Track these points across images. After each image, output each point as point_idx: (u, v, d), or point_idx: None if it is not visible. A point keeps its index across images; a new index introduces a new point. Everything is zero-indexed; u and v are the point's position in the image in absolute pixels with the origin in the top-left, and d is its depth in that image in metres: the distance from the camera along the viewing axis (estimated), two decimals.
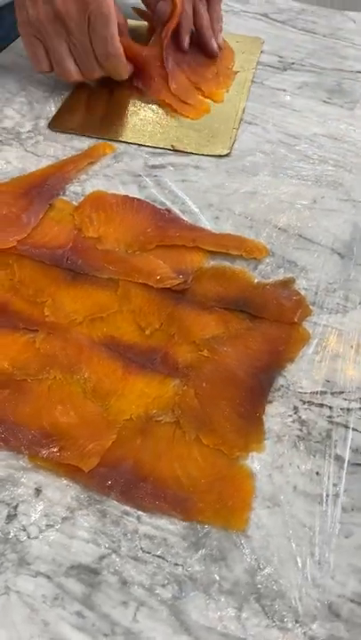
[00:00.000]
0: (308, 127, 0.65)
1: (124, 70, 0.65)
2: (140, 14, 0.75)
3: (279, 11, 0.85)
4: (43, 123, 0.64)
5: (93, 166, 0.59)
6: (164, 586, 0.34)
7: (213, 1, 0.72)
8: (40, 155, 0.60)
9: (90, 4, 0.59)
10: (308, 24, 0.81)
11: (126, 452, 0.39)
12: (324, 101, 0.69)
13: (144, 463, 0.39)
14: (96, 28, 0.60)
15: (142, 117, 0.65)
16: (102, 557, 0.35)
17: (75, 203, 0.55)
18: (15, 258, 0.50)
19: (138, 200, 0.55)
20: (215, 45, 0.71)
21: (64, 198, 0.56)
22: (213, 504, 0.37)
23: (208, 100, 0.67)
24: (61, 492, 0.38)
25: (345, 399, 0.43)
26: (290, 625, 0.33)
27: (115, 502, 0.37)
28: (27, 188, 0.56)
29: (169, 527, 0.36)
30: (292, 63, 0.74)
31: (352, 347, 0.46)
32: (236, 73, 0.70)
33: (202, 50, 0.71)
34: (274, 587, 0.35)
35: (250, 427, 0.41)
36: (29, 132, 0.63)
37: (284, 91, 0.70)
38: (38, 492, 0.37)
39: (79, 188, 0.57)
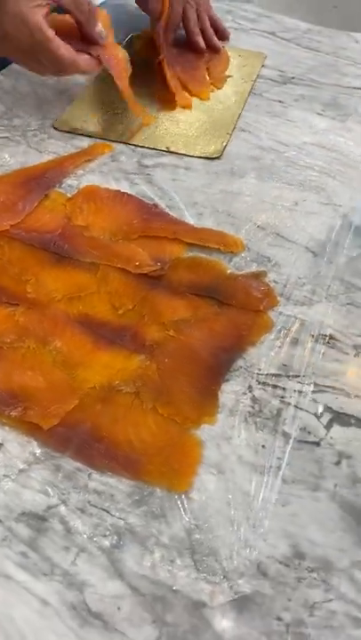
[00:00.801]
0: (299, 136, 0.68)
1: (87, 71, 0.65)
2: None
3: (286, 29, 0.88)
4: (49, 122, 0.68)
5: (90, 163, 0.63)
6: (105, 536, 0.37)
7: (202, 7, 0.79)
8: (42, 151, 0.65)
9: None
10: (313, 42, 0.85)
11: (86, 416, 0.42)
12: (318, 113, 0.72)
13: (101, 426, 0.42)
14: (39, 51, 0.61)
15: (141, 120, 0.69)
16: (51, 507, 0.38)
17: (69, 195, 0.59)
18: (7, 240, 0.54)
19: (128, 194, 0.59)
20: (201, 41, 0.77)
21: (59, 190, 0.60)
22: (160, 467, 0.40)
23: (194, 98, 0.73)
24: (22, 447, 0.41)
25: (299, 382, 0.45)
26: (217, 579, 0.35)
27: (70, 460, 0.40)
28: (26, 179, 0.60)
29: (117, 485, 0.39)
30: (292, 77, 0.78)
31: (313, 335, 0.48)
32: (228, 77, 0.75)
33: (191, 49, 0.78)
34: (207, 544, 0.37)
35: (205, 400, 0.43)
36: (35, 130, 0.67)
37: (281, 102, 0.73)
38: (0, 445, 0.41)
39: (75, 182, 0.61)
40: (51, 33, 0.60)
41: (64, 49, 0.61)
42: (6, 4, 0.58)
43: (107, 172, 0.62)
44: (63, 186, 0.60)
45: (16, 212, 0.56)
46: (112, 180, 0.61)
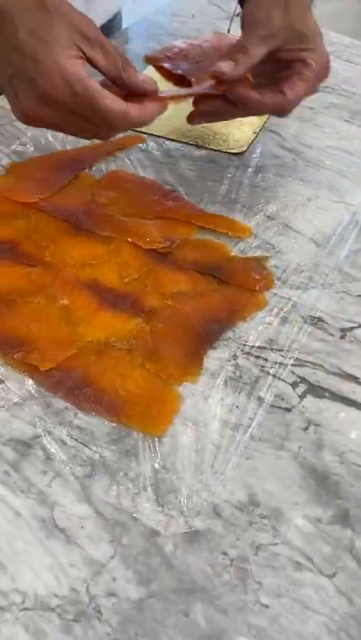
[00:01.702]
0: (324, 140, 0.71)
1: (145, 121, 0.53)
2: (153, 63, 0.78)
3: (330, 43, 0.91)
4: None
5: (121, 152, 0.68)
6: (80, 465, 0.41)
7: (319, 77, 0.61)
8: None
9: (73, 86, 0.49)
10: (353, 56, 0.88)
11: (79, 364, 0.46)
12: (346, 120, 0.75)
13: (92, 374, 0.46)
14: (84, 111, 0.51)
15: (175, 116, 0.74)
16: (37, 436, 0.42)
17: (97, 177, 0.64)
18: (35, 211, 0.59)
19: (150, 180, 0.64)
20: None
21: (89, 172, 0.65)
22: (140, 413, 0.43)
23: None
24: (20, 384, 0.45)
25: (281, 355, 0.48)
26: (175, 514, 0.39)
27: (60, 400, 0.44)
28: (62, 160, 0.65)
29: (98, 424, 0.43)
30: (326, 87, 0.81)
31: (302, 316, 0.51)
32: None
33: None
34: (171, 483, 0.40)
35: (190, 362, 0.47)
36: None
37: (311, 109, 0.77)
38: (1, 381, 0.45)
39: (104, 167, 0.66)
40: (93, 83, 0.49)
41: (110, 99, 0.50)
42: (39, 62, 0.48)
43: (134, 160, 0.67)
44: (93, 169, 0.65)
45: (47, 188, 0.61)
46: (139, 167, 0.66)
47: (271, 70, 0.59)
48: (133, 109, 0.51)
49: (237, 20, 0.95)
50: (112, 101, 0.50)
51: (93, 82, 0.50)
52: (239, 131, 0.72)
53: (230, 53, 0.57)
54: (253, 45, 0.57)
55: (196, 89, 0.62)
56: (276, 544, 0.38)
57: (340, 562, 0.37)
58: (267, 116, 0.74)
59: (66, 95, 0.49)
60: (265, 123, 0.73)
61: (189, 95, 0.61)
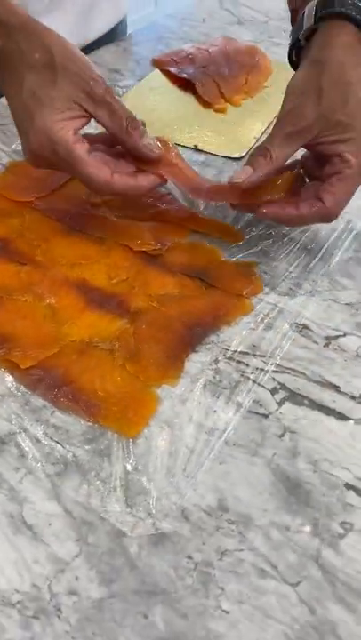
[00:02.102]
0: None
1: (132, 193, 0.53)
2: (160, 66, 0.83)
3: None
4: None
5: None
6: (53, 464, 0.41)
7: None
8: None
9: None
10: None
11: (60, 363, 0.47)
12: None
13: (71, 373, 0.46)
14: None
15: (177, 118, 0.74)
16: (12, 433, 0.43)
17: None
18: (29, 210, 0.60)
19: None
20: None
21: None
22: (117, 413, 0.44)
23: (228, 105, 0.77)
24: None
25: (263, 361, 0.48)
26: (143, 515, 0.39)
27: (39, 397, 0.45)
28: None
29: (74, 424, 0.43)
30: None
31: (288, 323, 0.51)
32: (265, 87, 0.78)
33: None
34: (141, 485, 0.40)
35: (171, 365, 0.47)
36: None
37: None
38: None
39: None
40: (79, 148, 0.50)
41: (93, 167, 0.50)
42: (33, 121, 0.51)
43: None
44: None
45: (44, 187, 0.62)
46: None
47: (318, 166, 0.54)
48: (119, 181, 0.51)
49: (247, 25, 0.96)
50: (95, 169, 0.51)
51: (80, 147, 0.51)
52: (240, 135, 0.72)
53: (251, 156, 0.53)
54: (277, 147, 0.52)
55: (207, 193, 0.57)
56: (241, 550, 0.37)
57: (306, 571, 0.37)
58: (270, 120, 0.74)
59: (50, 155, 0.51)
60: (267, 127, 0.73)
61: (197, 197, 0.58)
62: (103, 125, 0.53)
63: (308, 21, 0.54)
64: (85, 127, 0.53)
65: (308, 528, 0.38)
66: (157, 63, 0.86)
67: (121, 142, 0.53)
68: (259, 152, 0.52)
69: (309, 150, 0.54)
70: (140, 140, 0.52)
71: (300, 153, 0.55)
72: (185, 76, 0.81)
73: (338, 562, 0.37)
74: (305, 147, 0.53)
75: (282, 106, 0.53)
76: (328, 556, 0.37)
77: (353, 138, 0.51)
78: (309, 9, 0.54)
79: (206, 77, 0.81)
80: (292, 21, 0.61)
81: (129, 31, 0.96)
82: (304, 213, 0.52)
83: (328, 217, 0.53)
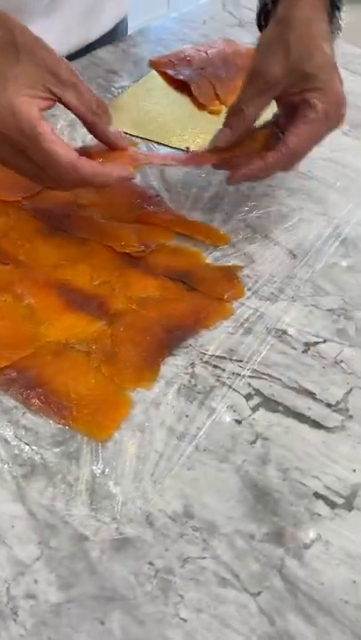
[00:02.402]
0: (317, 151, 0.70)
1: (99, 182, 0.52)
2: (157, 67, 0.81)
3: (342, 55, 0.90)
4: None
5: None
6: (20, 465, 0.41)
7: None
8: (71, 140, 0.71)
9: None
10: (360, 68, 0.87)
11: (35, 364, 0.46)
12: (344, 133, 0.74)
13: (45, 374, 0.46)
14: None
15: (172, 120, 0.74)
16: None
17: None
18: (15, 209, 0.60)
19: (134, 184, 0.63)
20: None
21: None
22: (87, 416, 0.43)
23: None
24: None
25: (240, 366, 0.47)
26: (107, 520, 0.38)
27: (10, 398, 0.44)
28: None
29: (44, 425, 0.43)
30: None
31: (267, 328, 0.50)
32: None
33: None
34: (107, 489, 0.40)
35: (146, 369, 0.47)
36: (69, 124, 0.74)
37: None
38: None
39: None
40: (45, 126, 0.48)
41: (58, 145, 0.48)
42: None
43: None
44: None
45: (30, 187, 0.61)
46: None
47: (290, 121, 0.55)
48: (87, 164, 0.49)
49: (248, 27, 0.95)
50: (59, 147, 0.48)
51: (45, 124, 0.48)
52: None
53: (227, 117, 0.55)
54: (250, 104, 0.53)
55: (174, 158, 0.59)
56: (204, 558, 0.37)
57: (268, 581, 0.36)
58: (263, 124, 0.73)
59: (13, 132, 0.48)
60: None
61: (167, 164, 0.60)
62: (71, 108, 0.51)
63: None
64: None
65: (273, 537, 0.38)
66: (154, 64, 0.85)
67: (90, 126, 0.53)
68: (233, 112, 0.55)
69: (278, 103, 0.56)
70: (111, 125, 0.53)
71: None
72: (181, 77, 0.81)
73: (301, 572, 0.37)
74: (275, 99, 0.55)
75: (251, 63, 0.55)
76: (292, 566, 0.37)
77: (319, 87, 0.54)
78: None
79: (202, 79, 0.81)
80: None
81: (129, 32, 0.96)
82: (270, 160, 0.54)
83: (290, 159, 0.55)
